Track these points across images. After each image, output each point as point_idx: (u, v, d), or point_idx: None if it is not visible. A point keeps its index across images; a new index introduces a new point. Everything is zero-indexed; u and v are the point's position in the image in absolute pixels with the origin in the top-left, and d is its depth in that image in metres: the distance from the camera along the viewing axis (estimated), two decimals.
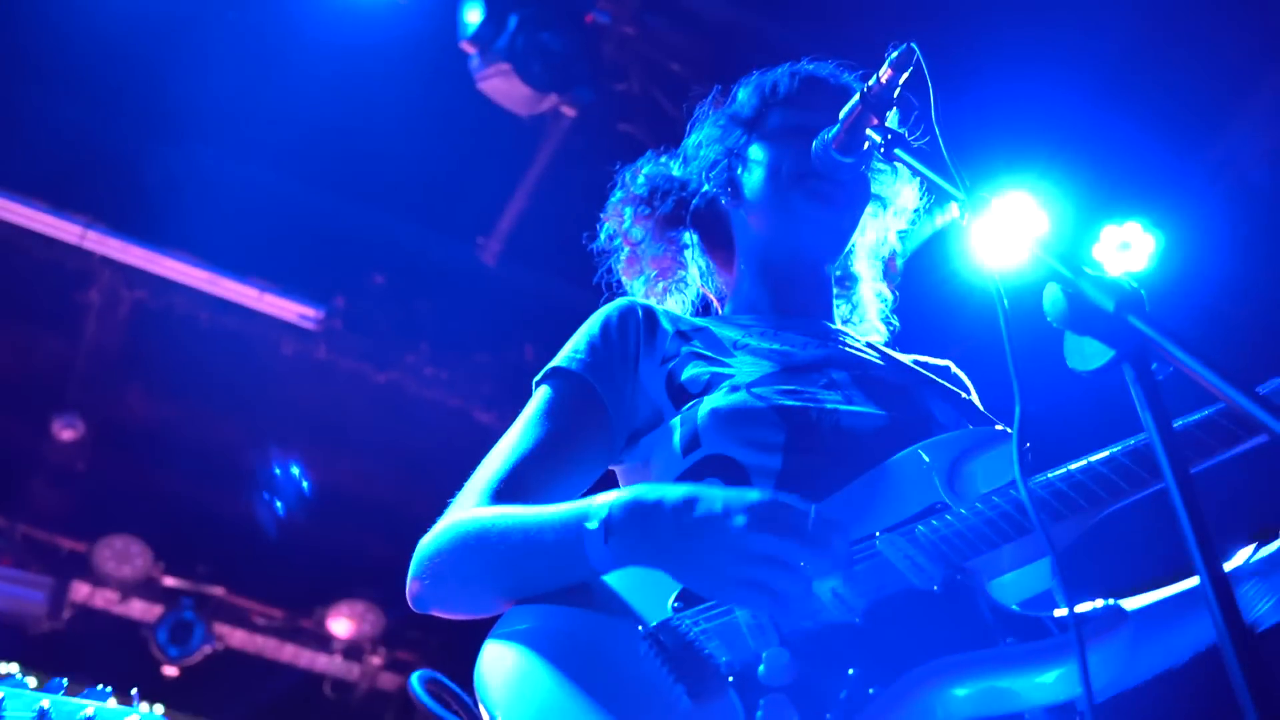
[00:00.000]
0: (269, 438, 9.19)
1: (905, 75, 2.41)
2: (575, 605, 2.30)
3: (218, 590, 10.00)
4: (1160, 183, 7.06)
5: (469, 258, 7.91)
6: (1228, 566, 2.41)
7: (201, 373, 8.56)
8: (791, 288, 2.94)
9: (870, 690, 2.03)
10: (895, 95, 2.44)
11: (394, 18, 6.79)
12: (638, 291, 3.08)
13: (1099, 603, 2.12)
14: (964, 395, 2.80)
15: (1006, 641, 2.10)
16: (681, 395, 2.59)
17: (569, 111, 7.00)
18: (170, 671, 9.66)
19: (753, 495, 2.16)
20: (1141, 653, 2.44)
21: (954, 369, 2.98)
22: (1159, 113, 6.74)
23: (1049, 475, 2.26)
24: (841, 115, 2.52)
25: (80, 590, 9.66)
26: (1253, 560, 2.43)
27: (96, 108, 7.20)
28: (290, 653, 10.36)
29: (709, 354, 2.67)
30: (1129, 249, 7.07)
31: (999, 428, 2.44)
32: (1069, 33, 6.54)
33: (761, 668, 2.06)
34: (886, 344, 3.03)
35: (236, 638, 10.11)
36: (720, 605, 2.18)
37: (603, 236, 3.13)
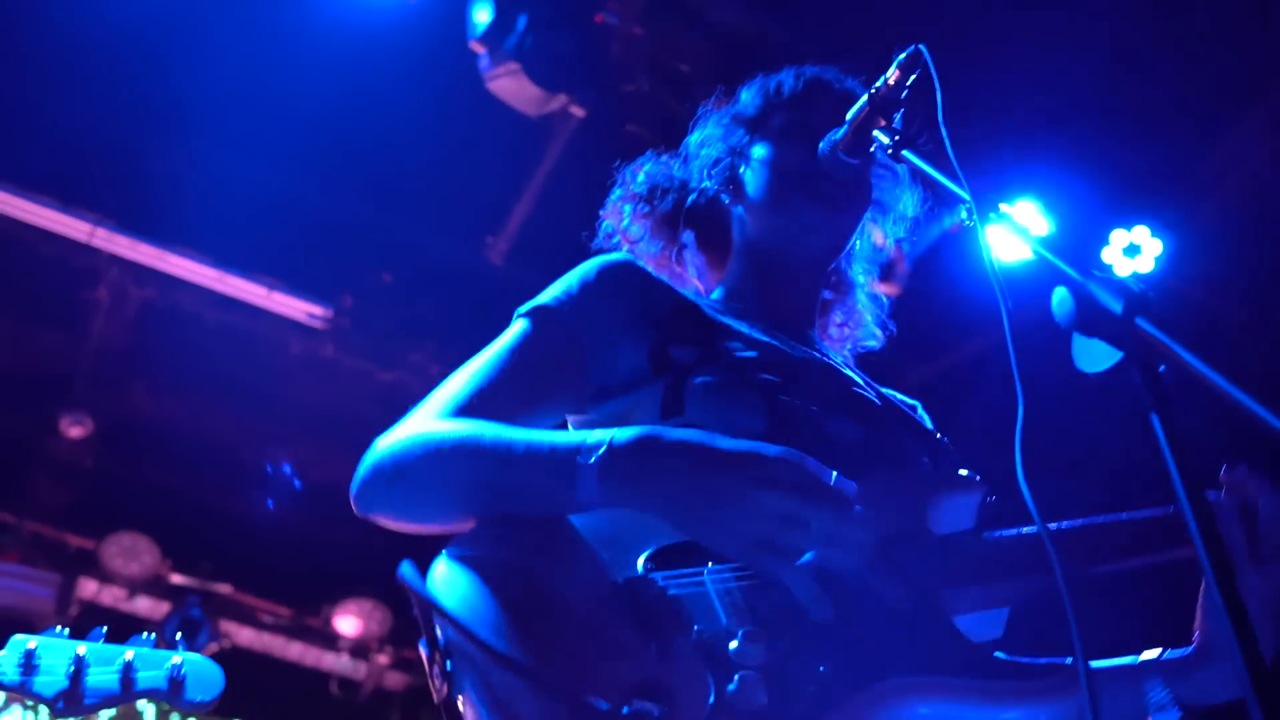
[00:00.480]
0: (276, 435, 9.21)
1: (913, 77, 2.41)
2: (541, 540, 2.20)
3: (225, 588, 10.00)
4: (1168, 186, 7.06)
5: (477, 257, 7.91)
6: (1144, 657, 2.41)
7: (209, 370, 8.57)
8: (784, 288, 2.92)
9: (838, 690, 2.03)
10: (903, 97, 2.44)
11: (403, 17, 6.80)
12: None
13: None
14: (937, 437, 2.79)
15: (974, 674, 2.12)
16: (668, 364, 2.53)
17: (577, 112, 7.00)
18: None
19: (774, 449, 2.13)
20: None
21: (921, 410, 2.96)
22: (1166, 115, 6.74)
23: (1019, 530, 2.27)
24: (848, 116, 2.52)
25: (87, 587, 9.67)
26: (1161, 659, 2.39)
27: (105, 105, 7.20)
28: (297, 651, 10.37)
29: (702, 331, 2.62)
30: (1137, 253, 7.07)
31: (964, 473, 2.43)
32: (1076, 35, 6.54)
33: (734, 644, 2.02)
34: (863, 371, 3.00)
35: (243, 635, 10.12)
36: (693, 573, 2.14)
37: (601, 234, 3.11)
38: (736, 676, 1.99)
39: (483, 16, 6.61)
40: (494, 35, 6.62)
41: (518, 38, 6.59)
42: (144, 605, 9.82)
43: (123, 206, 7.84)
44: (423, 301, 8.25)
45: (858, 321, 3.13)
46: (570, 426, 2.63)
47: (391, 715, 10.59)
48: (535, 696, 1.94)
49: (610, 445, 2.18)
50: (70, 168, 7.58)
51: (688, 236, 3.03)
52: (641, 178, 3.11)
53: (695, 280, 3.03)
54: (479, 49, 6.71)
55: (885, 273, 3.27)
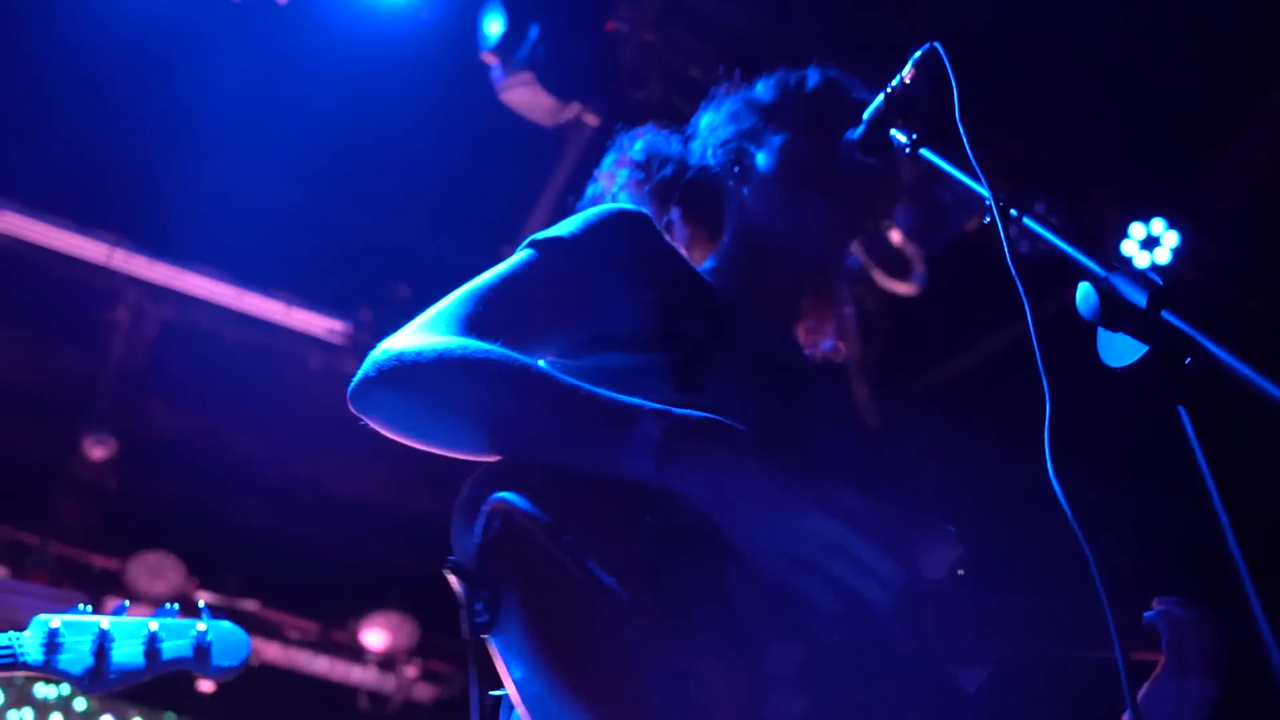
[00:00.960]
0: (298, 451, 9.22)
1: (929, 75, 2.41)
2: (589, 488, 2.07)
3: (251, 604, 10.03)
4: (1184, 178, 7.04)
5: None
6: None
7: (230, 388, 8.60)
8: (773, 276, 2.87)
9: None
10: (919, 96, 2.43)
11: (414, 29, 6.81)
12: None
13: None
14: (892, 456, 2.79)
15: None
16: (678, 335, 2.48)
17: (591, 120, 7.00)
18: (205, 687, 9.69)
19: (832, 477, 2.09)
20: None
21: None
22: (1183, 106, 6.72)
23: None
24: (865, 116, 2.51)
25: (114, 607, 9.69)
26: None
27: (119, 125, 7.24)
28: (324, 665, 10.39)
29: (710, 309, 2.59)
30: (1155, 246, 7.05)
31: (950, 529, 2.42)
32: (1089, 29, 6.53)
33: (772, 646, 2.00)
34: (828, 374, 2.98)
35: (271, 651, 10.15)
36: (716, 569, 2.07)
37: (587, 197, 3.05)
38: (780, 681, 1.97)
39: (494, 27, 6.61)
40: (506, 46, 6.63)
41: (530, 47, 6.59)
42: None
43: (140, 227, 7.87)
44: None
45: (825, 331, 3.08)
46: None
47: None
48: (601, 638, 1.88)
49: (673, 421, 2.09)
50: (86, 189, 7.61)
51: (676, 211, 2.98)
52: (640, 145, 3.05)
53: (683, 253, 2.95)
54: (491, 60, 6.71)
55: (902, 271, 3.25)
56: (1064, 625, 2.35)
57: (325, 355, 8.42)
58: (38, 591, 9.46)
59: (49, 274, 7.94)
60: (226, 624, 3.69)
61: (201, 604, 3.76)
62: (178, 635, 3.59)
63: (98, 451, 9.10)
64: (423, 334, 2.26)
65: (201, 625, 3.62)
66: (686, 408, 2.13)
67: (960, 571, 2.22)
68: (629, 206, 2.67)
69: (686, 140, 3.07)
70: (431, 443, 2.22)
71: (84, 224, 7.87)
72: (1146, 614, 2.53)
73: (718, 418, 2.11)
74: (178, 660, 3.56)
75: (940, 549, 2.24)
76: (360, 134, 7.28)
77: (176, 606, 3.69)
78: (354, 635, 10.34)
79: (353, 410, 2.24)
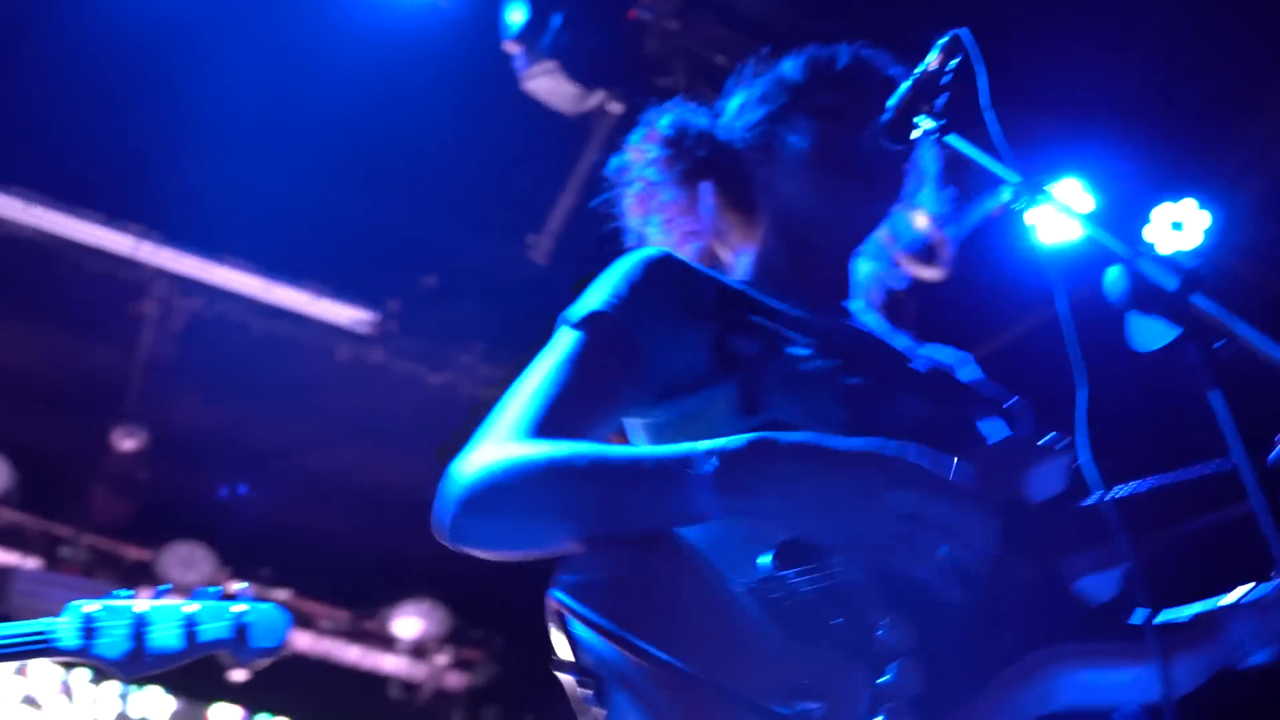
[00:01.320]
0: (327, 441, 9.25)
1: (954, 62, 2.40)
2: (653, 556, 2.12)
3: (283, 594, 10.07)
4: (1214, 158, 7.00)
5: (520, 257, 7.93)
6: (1228, 599, 2.39)
7: (258, 379, 8.63)
8: (817, 261, 2.87)
9: (986, 667, 2.03)
10: (945, 82, 2.42)
11: (436, 19, 6.81)
12: (652, 236, 2.98)
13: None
14: (1000, 398, 2.76)
15: (1111, 637, 2.11)
16: (733, 359, 2.48)
17: (615, 108, 7.00)
18: (238, 676, 9.74)
19: (890, 445, 2.08)
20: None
21: (973, 363, 2.91)
22: (1212, 85, 6.68)
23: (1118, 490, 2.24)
24: (891, 103, 2.50)
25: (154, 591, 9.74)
26: (1246, 599, 2.33)
27: (143, 118, 7.27)
28: (356, 655, 10.43)
29: (755, 319, 2.57)
30: (1182, 228, 7.01)
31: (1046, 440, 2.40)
32: (1116, 11, 6.49)
33: (880, 633, 2.00)
34: (910, 335, 2.96)
35: (302, 641, 10.18)
36: (819, 568, 2.08)
37: (613, 169, 3.03)
38: (890, 665, 1.97)
39: (517, 16, 6.61)
40: (529, 34, 6.63)
41: (553, 36, 6.59)
42: None
43: (166, 219, 7.90)
44: (468, 303, 8.28)
45: (873, 301, 3.06)
46: (634, 431, 2.60)
47: (453, 716, 10.63)
48: (702, 707, 1.92)
49: (722, 453, 2.10)
50: (112, 182, 7.64)
51: (707, 188, 2.95)
52: (668, 121, 3.02)
53: (709, 238, 2.97)
54: (514, 49, 6.71)
55: (930, 257, 3.22)
56: (1191, 494, 2.27)
57: (353, 346, 8.44)
58: (71, 583, 9.57)
59: (77, 268, 7.98)
60: (266, 604, 3.64)
61: (240, 585, 3.72)
62: (216, 618, 3.54)
63: (128, 443, 9.15)
64: (497, 449, 2.30)
65: (240, 606, 3.58)
66: (759, 430, 2.15)
67: (1075, 463, 2.17)
68: (650, 252, 2.65)
69: (715, 118, 3.05)
70: (527, 551, 2.26)
71: (112, 217, 7.90)
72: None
73: (769, 434, 2.12)
74: (217, 642, 3.52)
75: (1045, 466, 2.23)
76: (385, 124, 7.29)
77: (219, 589, 3.64)
78: (385, 624, 10.37)
79: (447, 542, 2.29)
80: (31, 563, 9.64)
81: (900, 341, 2.87)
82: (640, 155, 3.01)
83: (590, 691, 1.97)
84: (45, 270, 8.02)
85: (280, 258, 8.10)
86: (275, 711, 9.61)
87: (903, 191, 2.90)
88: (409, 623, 10.35)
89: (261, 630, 3.57)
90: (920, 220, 3.07)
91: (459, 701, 10.63)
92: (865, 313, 2.98)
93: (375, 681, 10.49)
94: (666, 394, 2.51)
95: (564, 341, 2.50)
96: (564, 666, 2.02)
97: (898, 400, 2.52)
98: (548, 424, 2.32)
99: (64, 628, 3.42)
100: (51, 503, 9.60)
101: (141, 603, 3.53)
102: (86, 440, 9.17)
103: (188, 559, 9.76)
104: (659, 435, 2.54)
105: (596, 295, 2.55)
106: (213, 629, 3.53)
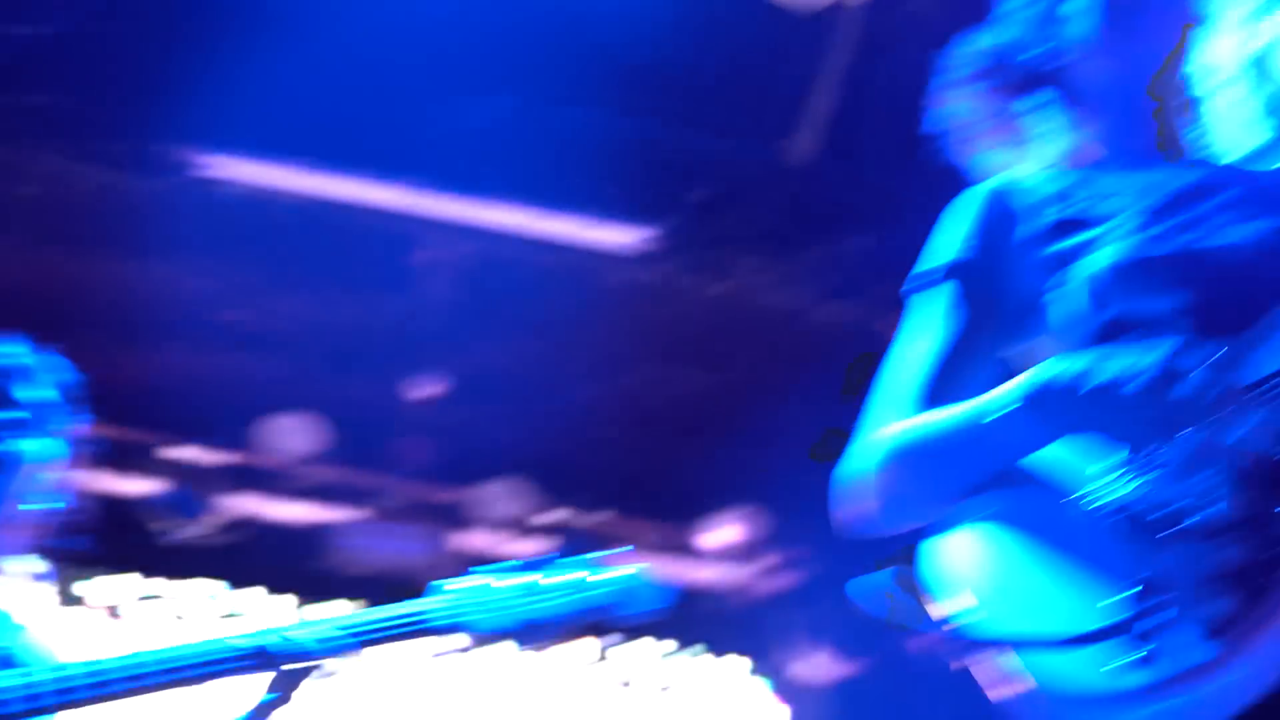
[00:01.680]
0: (615, 365, 9.30)
1: None
2: (1011, 486, 2.31)
3: (604, 517, 10.21)
4: None
5: (779, 160, 7.82)
6: None
7: (539, 315, 8.73)
8: (1134, 121, 2.76)
9: None
10: None
11: None
12: (990, 156, 2.89)
13: None
14: None
15: None
16: (1064, 262, 2.46)
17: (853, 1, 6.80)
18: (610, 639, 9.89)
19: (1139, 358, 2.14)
20: None
21: None
22: None
23: None
24: None
25: (463, 538, 10.00)
26: None
27: (401, 68, 7.38)
28: (676, 569, 10.47)
29: (1086, 209, 2.52)
30: None
31: None
32: None
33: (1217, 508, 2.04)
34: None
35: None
36: (1137, 462, 2.14)
37: (937, 121, 2.96)
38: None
39: None
40: None
41: None
42: (522, 548, 10.08)
43: (428, 167, 8.00)
44: (735, 212, 8.18)
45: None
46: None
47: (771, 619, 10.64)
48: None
49: (1025, 392, 2.27)
50: (372, 135, 7.77)
51: (1047, 95, 2.84)
52: (979, 52, 2.92)
53: (1052, 146, 2.85)
54: None
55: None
56: None
57: (628, 268, 8.43)
58: (382, 530, 9.86)
59: (346, 225, 8.18)
60: (640, 569, 3.63)
61: (625, 549, 3.75)
62: (603, 585, 3.57)
63: (426, 391, 9.37)
64: (876, 435, 2.49)
65: (624, 570, 3.59)
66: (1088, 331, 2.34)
67: None
68: (978, 190, 2.67)
69: (1005, 28, 2.92)
70: (931, 517, 2.43)
71: (381, 171, 8.03)
72: None
73: (1042, 369, 2.29)
74: (602, 608, 3.55)
75: None
76: (626, 46, 7.26)
77: (603, 553, 3.65)
78: (702, 535, 10.43)
79: (860, 534, 2.52)
80: (349, 515, 10.01)
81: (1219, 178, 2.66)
82: (962, 97, 2.94)
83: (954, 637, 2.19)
84: (318, 233, 8.26)
85: (543, 191, 8.14)
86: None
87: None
88: (726, 532, 10.40)
89: (643, 594, 3.59)
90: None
91: (773, 606, 10.63)
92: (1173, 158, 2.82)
93: (690, 595, 10.55)
94: (1021, 325, 2.55)
95: (923, 303, 2.59)
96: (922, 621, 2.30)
97: (1250, 234, 2.41)
98: (928, 395, 2.48)
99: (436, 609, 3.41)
100: (355, 455, 9.93)
101: (533, 572, 3.53)
102: (384, 393, 9.42)
103: (501, 495, 9.98)
104: (1021, 365, 2.55)
105: (947, 247, 2.60)
106: (598, 595, 3.54)
